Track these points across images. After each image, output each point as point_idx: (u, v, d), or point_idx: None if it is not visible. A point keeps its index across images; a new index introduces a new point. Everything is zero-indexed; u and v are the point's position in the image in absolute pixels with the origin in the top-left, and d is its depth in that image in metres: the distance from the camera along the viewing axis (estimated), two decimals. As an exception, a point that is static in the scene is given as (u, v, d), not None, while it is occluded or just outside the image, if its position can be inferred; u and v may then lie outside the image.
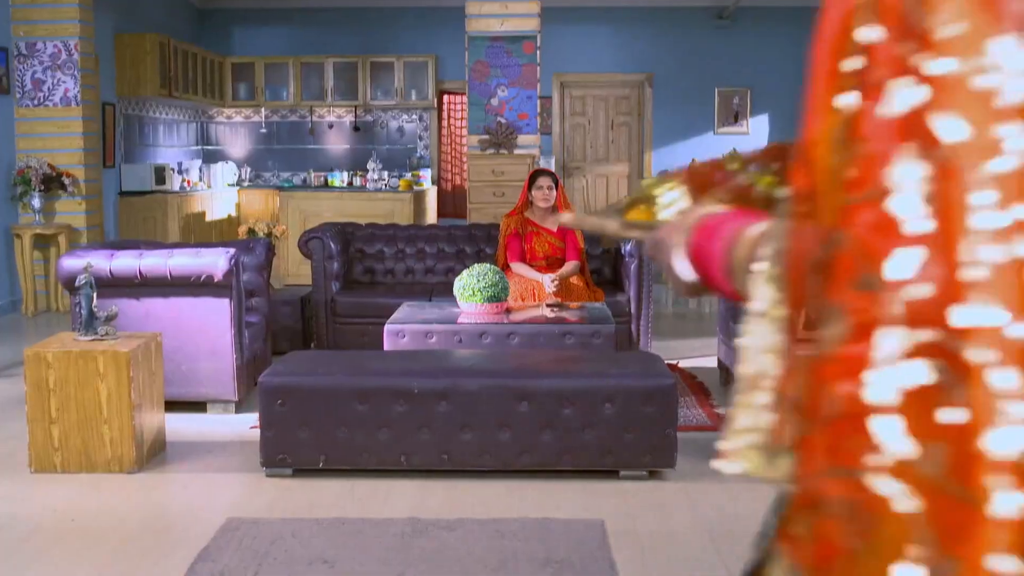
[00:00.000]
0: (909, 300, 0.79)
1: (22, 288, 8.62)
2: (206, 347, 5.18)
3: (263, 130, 13.13)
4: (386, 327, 5.19)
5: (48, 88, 8.88)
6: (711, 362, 6.31)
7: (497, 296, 5.32)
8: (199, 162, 12.51)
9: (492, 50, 8.91)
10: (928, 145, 0.78)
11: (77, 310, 4.50)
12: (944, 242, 0.79)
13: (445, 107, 13.13)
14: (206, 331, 5.17)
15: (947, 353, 0.78)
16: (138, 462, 4.31)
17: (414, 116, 12.97)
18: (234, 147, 13.17)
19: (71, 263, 5.01)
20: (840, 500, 0.81)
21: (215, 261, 5.06)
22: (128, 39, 10.57)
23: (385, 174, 12.08)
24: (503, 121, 8.94)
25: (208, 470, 4.38)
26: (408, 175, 12.21)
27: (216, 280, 5.06)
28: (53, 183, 8.61)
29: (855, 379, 0.79)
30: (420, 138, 13.00)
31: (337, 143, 13.03)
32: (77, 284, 4.45)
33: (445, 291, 6.11)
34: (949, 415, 0.77)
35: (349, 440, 4.11)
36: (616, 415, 4.07)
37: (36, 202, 8.56)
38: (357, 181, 12.18)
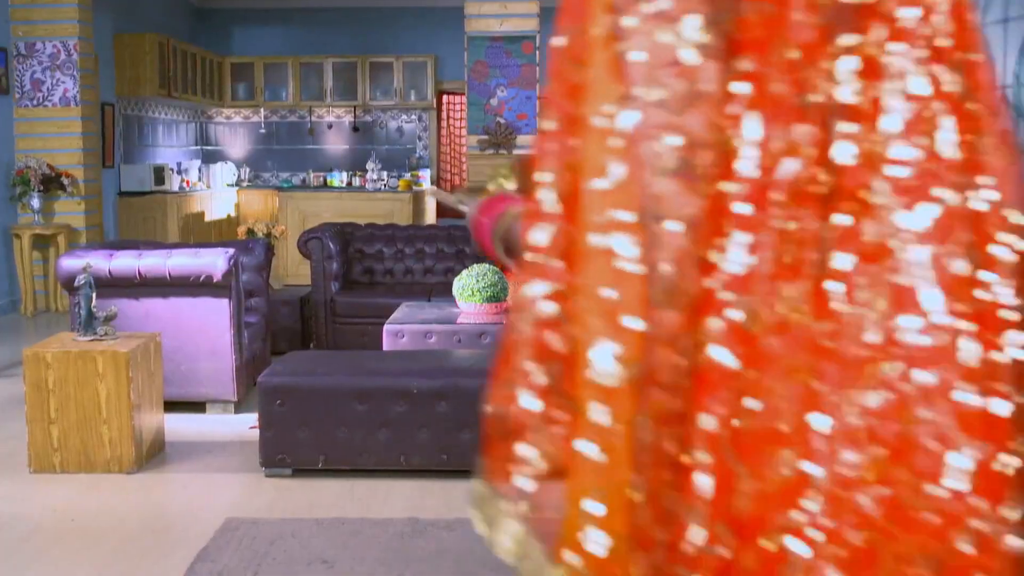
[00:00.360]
0: (542, 261, 1.17)
1: (21, 288, 8.61)
2: (205, 347, 5.17)
3: (262, 130, 13.13)
4: (385, 327, 5.19)
5: (47, 88, 8.88)
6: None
7: (496, 296, 5.32)
8: (198, 162, 12.50)
9: (491, 50, 8.91)
10: (563, 156, 1.17)
11: (76, 310, 4.50)
12: (566, 224, 1.18)
13: (444, 107, 13.13)
14: (205, 331, 5.17)
15: (563, 297, 1.16)
16: (137, 462, 4.31)
17: (413, 116, 12.97)
18: (233, 147, 13.17)
19: (70, 263, 5.01)
20: (499, 406, 1.22)
21: (214, 261, 5.06)
22: (127, 39, 10.56)
23: (384, 174, 12.08)
24: (502, 121, 8.95)
25: (207, 470, 4.38)
26: (407, 175, 12.21)
27: (215, 280, 5.06)
28: (52, 183, 8.61)
29: (513, 317, 1.17)
30: (419, 138, 13.00)
31: (336, 143, 13.03)
32: (76, 284, 4.45)
33: (444, 291, 6.11)
34: (557, 343, 1.15)
35: (348, 440, 4.11)
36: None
37: (35, 202, 8.56)
38: (356, 181, 12.18)
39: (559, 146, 1.19)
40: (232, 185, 12.54)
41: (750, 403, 1.09)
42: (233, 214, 12.25)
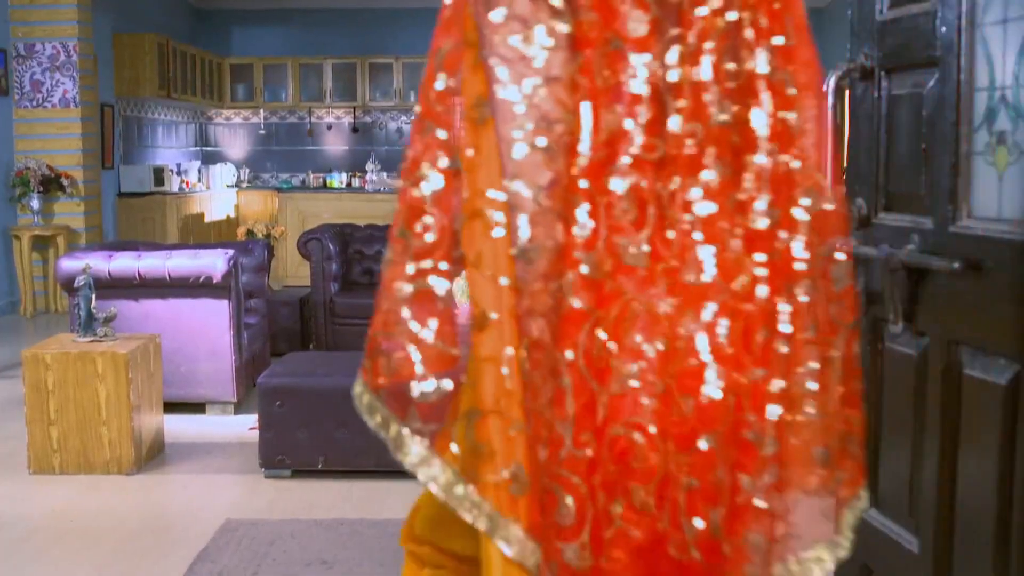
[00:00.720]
0: (418, 244, 1.43)
1: (21, 289, 8.61)
2: (205, 348, 5.18)
3: (262, 131, 13.13)
4: (385, 328, 5.18)
5: (47, 89, 8.88)
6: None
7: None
8: (198, 163, 12.50)
9: (491, 51, 8.91)
10: (441, 146, 1.45)
11: (76, 311, 4.50)
12: (438, 209, 1.44)
13: (444, 108, 13.10)
14: (205, 332, 5.17)
15: (446, 259, 1.44)
16: (137, 463, 4.30)
17: (413, 117, 12.95)
18: (233, 148, 13.17)
19: (70, 264, 5.01)
20: (374, 347, 1.48)
21: (214, 262, 5.06)
22: (127, 40, 10.56)
23: (384, 175, 12.08)
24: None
25: (207, 471, 4.38)
26: (407, 176, 12.19)
27: (215, 281, 5.06)
28: (52, 184, 8.61)
29: (391, 285, 1.44)
30: (419, 139, 12.99)
31: (336, 144, 13.02)
32: (76, 285, 4.45)
33: (444, 292, 6.10)
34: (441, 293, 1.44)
35: (348, 441, 4.11)
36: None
37: (35, 203, 8.56)
38: (356, 182, 12.18)
39: (433, 138, 1.47)
40: (231, 186, 12.54)
41: (600, 335, 1.41)
42: (232, 215, 12.25)
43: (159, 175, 10.66)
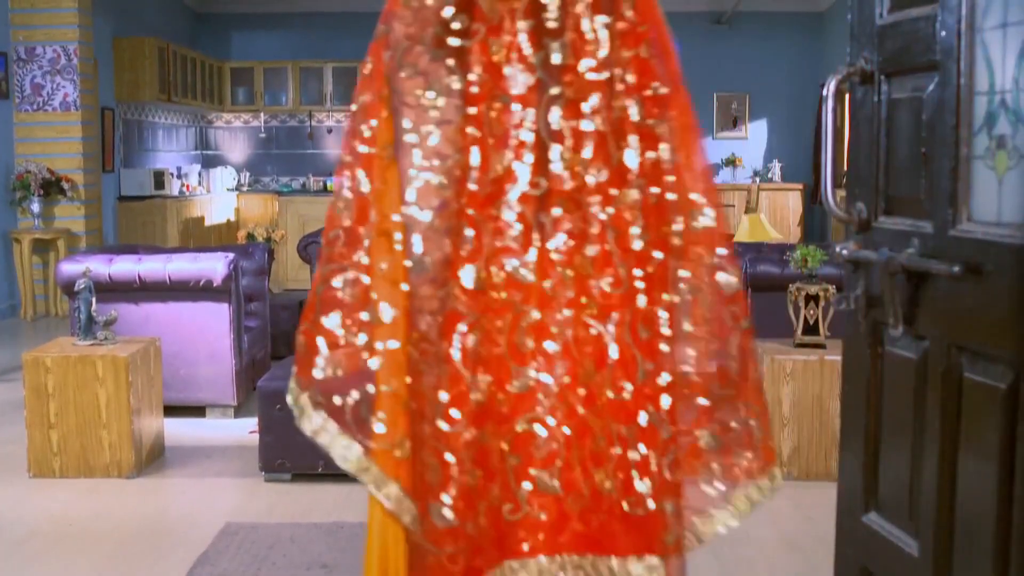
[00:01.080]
0: (331, 248, 1.75)
1: (21, 293, 8.62)
2: (205, 352, 5.18)
3: (262, 135, 13.14)
4: (385, 332, 5.18)
5: (47, 93, 8.89)
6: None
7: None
8: (198, 167, 12.51)
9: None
10: (358, 178, 1.76)
11: (76, 315, 4.50)
12: (352, 227, 1.74)
13: (444, 112, 13.11)
14: (205, 336, 5.17)
15: (356, 268, 1.75)
16: (137, 467, 4.30)
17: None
18: (233, 152, 13.18)
19: (70, 268, 5.01)
20: (307, 335, 1.78)
21: (214, 266, 5.07)
22: (127, 43, 10.57)
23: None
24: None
25: (207, 475, 4.38)
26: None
27: (215, 285, 5.06)
28: (52, 188, 8.62)
29: (313, 286, 1.76)
30: (419, 143, 13.00)
31: (336, 147, 13.03)
32: (76, 289, 4.45)
33: (444, 296, 6.10)
34: (349, 298, 1.75)
35: (348, 445, 4.11)
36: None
37: (35, 207, 8.57)
38: (356, 186, 12.17)
39: (352, 172, 1.79)
40: (232, 189, 12.55)
41: (478, 335, 1.73)
42: (233, 218, 12.26)
43: (159, 179, 10.66)
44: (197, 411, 5.26)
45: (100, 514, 3.89)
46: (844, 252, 2.07)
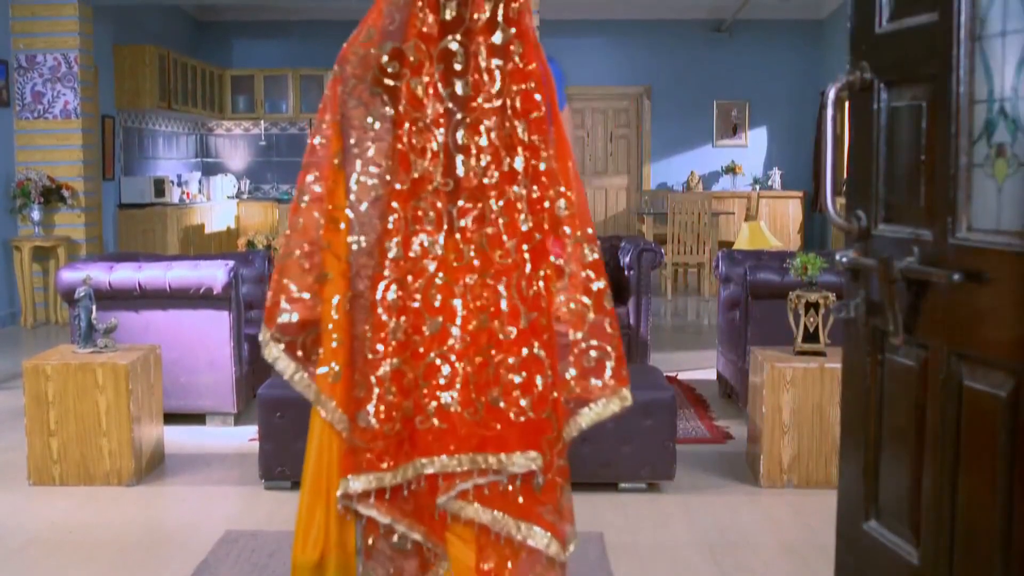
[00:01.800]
0: (293, 229, 2.38)
1: (21, 300, 8.62)
2: (205, 359, 5.17)
3: (262, 142, 13.16)
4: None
5: (48, 100, 8.90)
6: (710, 375, 6.31)
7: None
8: (198, 174, 12.52)
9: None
10: (323, 176, 2.39)
11: (76, 322, 4.50)
12: (309, 215, 2.38)
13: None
14: (205, 343, 5.17)
15: (311, 243, 2.39)
16: (137, 474, 4.30)
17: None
18: (233, 159, 13.19)
19: (70, 275, 5.01)
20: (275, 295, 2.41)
21: (214, 273, 5.07)
22: (127, 51, 10.59)
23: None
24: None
25: (207, 483, 4.37)
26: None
27: (215, 292, 5.06)
28: (52, 195, 8.63)
29: (285, 252, 2.40)
30: (419, 150, 13.01)
31: (336, 155, 13.03)
32: (76, 296, 4.45)
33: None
34: (310, 268, 2.40)
35: (348, 452, 4.10)
36: (615, 428, 4.06)
37: (35, 214, 8.57)
38: (356, 193, 12.17)
39: (311, 174, 2.38)
40: (232, 197, 12.55)
41: (399, 292, 2.31)
42: (233, 226, 12.27)
43: (160, 186, 10.67)
44: (197, 419, 5.26)
45: (100, 522, 3.89)
46: (844, 260, 2.07)
